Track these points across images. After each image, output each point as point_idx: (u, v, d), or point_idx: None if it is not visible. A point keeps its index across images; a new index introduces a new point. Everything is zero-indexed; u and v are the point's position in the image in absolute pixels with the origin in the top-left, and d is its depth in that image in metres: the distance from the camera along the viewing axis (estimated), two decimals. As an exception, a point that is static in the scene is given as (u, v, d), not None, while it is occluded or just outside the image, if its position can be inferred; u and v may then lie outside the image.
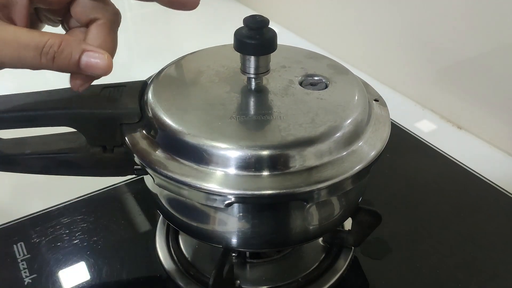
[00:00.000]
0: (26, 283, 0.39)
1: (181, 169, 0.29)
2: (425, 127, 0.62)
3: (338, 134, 0.30)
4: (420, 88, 0.66)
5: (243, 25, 0.31)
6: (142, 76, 0.39)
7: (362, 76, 0.39)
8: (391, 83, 0.70)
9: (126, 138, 0.32)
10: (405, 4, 0.64)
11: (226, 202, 0.29)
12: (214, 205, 0.30)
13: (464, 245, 0.44)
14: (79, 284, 0.40)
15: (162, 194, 0.34)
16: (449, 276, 0.41)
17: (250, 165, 0.29)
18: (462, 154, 0.55)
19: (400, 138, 0.58)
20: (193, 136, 0.29)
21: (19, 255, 0.42)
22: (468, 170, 0.53)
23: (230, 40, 0.33)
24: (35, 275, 0.40)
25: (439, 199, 0.49)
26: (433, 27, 0.61)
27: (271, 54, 0.33)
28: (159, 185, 0.32)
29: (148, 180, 0.35)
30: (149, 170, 0.31)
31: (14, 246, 0.43)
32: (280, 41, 0.33)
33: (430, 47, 0.63)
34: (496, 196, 0.50)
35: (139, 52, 0.79)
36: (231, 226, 0.32)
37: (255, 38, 0.31)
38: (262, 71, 0.33)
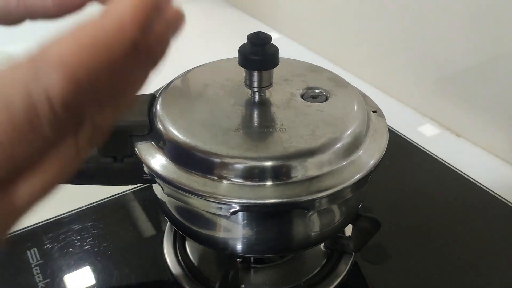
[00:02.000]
0: (39, 287, 0.41)
1: (188, 179, 0.31)
2: (424, 134, 0.63)
3: (337, 145, 0.32)
4: (419, 96, 0.67)
5: (247, 41, 0.33)
6: (148, 84, 0.40)
7: (363, 85, 0.40)
8: (392, 92, 0.71)
9: (136, 149, 0.34)
10: (406, 14, 0.65)
11: (232, 210, 0.30)
12: (220, 213, 0.31)
13: (462, 251, 0.45)
14: (90, 289, 0.41)
15: (170, 202, 0.36)
16: (448, 281, 0.42)
17: (254, 175, 0.30)
18: (461, 161, 0.56)
19: (400, 145, 0.60)
20: (200, 148, 0.31)
21: (33, 260, 0.43)
22: (467, 177, 0.54)
23: (235, 50, 0.34)
24: (48, 280, 0.42)
25: (438, 206, 0.50)
26: (433, 37, 0.62)
27: (274, 68, 0.34)
28: (168, 194, 0.33)
29: (156, 189, 0.37)
30: (158, 180, 0.33)
31: (28, 252, 0.44)
32: (283, 50, 0.34)
33: (430, 56, 0.64)
34: (494, 203, 0.51)
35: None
36: (236, 233, 0.33)
37: (259, 54, 0.33)
38: (265, 84, 0.35)
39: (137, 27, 0.16)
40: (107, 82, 0.16)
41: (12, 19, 0.26)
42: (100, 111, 0.17)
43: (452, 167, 0.56)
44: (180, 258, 0.43)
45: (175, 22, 0.19)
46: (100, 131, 0.18)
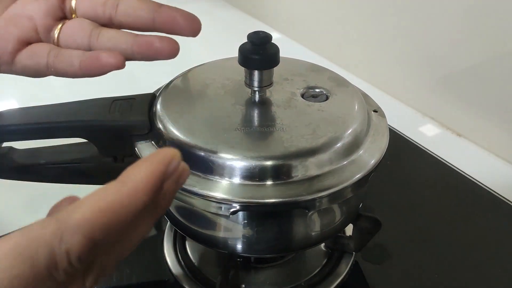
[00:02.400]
0: (39, 287, 0.41)
1: (188, 179, 0.31)
2: (425, 134, 0.63)
3: (338, 145, 0.32)
4: (420, 96, 0.67)
5: (247, 41, 0.33)
6: (148, 85, 0.40)
7: (364, 85, 0.40)
8: (392, 92, 0.71)
9: (136, 149, 0.34)
10: (406, 13, 0.65)
11: (232, 210, 0.30)
12: (220, 213, 0.31)
13: (462, 250, 0.45)
14: (90, 288, 0.41)
15: (170, 202, 0.36)
16: (448, 281, 0.42)
17: (255, 175, 0.30)
18: (461, 161, 0.56)
19: (401, 145, 0.60)
20: (200, 147, 0.31)
21: (33, 260, 0.43)
22: (468, 177, 0.54)
23: (235, 50, 0.34)
24: (48, 280, 0.42)
25: (439, 206, 0.50)
26: (433, 36, 0.62)
27: (274, 67, 0.34)
28: (168, 194, 0.33)
29: (156, 188, 0.37)
30: (158, 180, 0.32)
31: (28, 251, 0.44)
32: (283, 50, 0.34)
33: (430, 56, 0.64)
34: (494, 202, 0.51)
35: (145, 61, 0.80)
36: (236, 233, 0.33)
37: (259, 53, 0.32)
38: (265, 84, 0.35)
39: (149, 193, 0.19)
40: (118, 236, 0.19)
41: (40, 75, 0.30)
42: (107, 257, 0.20)
43: (452, 167, 0.56)
44: (180, 258, 0.43)
45: (181, 177, 0.21)
46: (105, 270, 0.20)
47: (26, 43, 0.30)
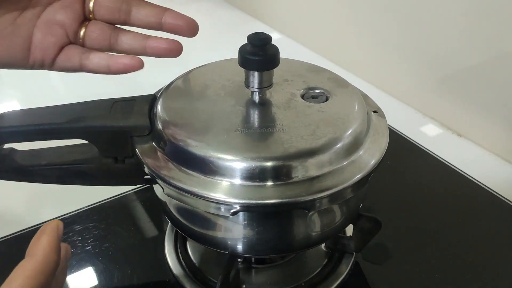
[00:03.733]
0: (41, 288, 0.41)
1: (189, 180, 0.31)
2: (426, 134, 0.63)
3: (338, 145, 0.32)
4: (421, 96, 0.67)
5: (247, 42, 0.33)
6: (149, 85, 0.40)
7: (364, 85, 0.40)
8: (393, 92, 0.71)
9: (136, 150, 0.34)
10: (407, 14, 0.65)
11: (232, 210, 0.30)
12: (221, 213, 0.31)
13: (463, 250, 0.45)
14: (91, 289, 0.41)
15: (171, 203, 0.36)
16: (449, 280, 0.42)
17: (255, 175, 0.30)
18: (462, 161, 0.56)
19: (401, 145, 0.60)
20: (200, 148, 0.31)
21: (34, 261, 0.43)
22: (468, 177, 0.54)
23: (235, 50, 0.34)
24: (49, 281, 0.42)
25: (439, 206, 0.50)
26: (434, 36, 0.62)
27: (274, 68, 0.34)
28: (168, 195, 0.33)
29: (157, 189, 0.37)
30: (158, 181, 0.33)
31: (29, 252, 0.44)
32: (283, 50, 0.34)
33: (431, 56, 0.64)
34: (495, 202, 0.51)
35: (146, 61, 0.80)
36: (237, 233, 0.33)
37: (259, 54, 0.33)
38: (265, 85, 0.35)
39: (56, 252, 0.26)
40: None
41: (76, 71, 0.36)
42: None
43: (453, 167, 0.56)
44: (181, 258, 0.43)
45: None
46: None
47: (61, 47, 0.36)
